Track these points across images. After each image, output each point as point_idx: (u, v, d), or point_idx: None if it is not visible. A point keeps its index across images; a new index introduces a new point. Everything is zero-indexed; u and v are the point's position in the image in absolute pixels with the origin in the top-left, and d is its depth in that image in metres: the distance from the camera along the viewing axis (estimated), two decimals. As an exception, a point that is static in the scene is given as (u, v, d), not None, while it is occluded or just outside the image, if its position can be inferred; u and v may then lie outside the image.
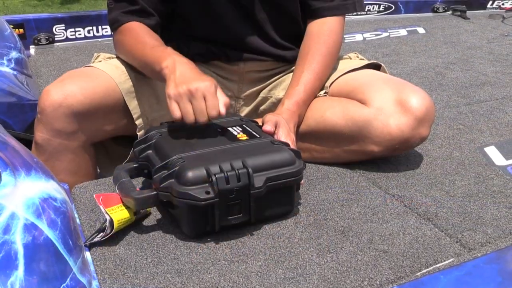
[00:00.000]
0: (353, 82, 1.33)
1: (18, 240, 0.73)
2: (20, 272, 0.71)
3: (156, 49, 1.22)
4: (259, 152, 1.06)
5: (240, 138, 1.13)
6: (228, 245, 1.02)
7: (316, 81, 1.32)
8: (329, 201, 1.18)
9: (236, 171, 1.00)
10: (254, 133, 1.15)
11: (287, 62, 1.45)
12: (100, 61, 1.38)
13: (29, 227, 0.74)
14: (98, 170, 1.42)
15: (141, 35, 1.29)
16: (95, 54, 1.43)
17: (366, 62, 1.43)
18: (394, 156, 1.35)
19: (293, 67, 1.42)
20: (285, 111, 1.27)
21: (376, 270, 0.95)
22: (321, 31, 1.37)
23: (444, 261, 0.98)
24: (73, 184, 1.25)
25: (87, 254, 0.98)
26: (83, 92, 1.22)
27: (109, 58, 1.40)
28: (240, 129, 1.17)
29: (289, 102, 1.29)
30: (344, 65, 1.41)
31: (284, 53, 1.44)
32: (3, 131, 1.06)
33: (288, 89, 1.33)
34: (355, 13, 3.01)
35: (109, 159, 1.41)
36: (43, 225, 0.76)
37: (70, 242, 0.81)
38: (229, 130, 1.16)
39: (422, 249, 1.01)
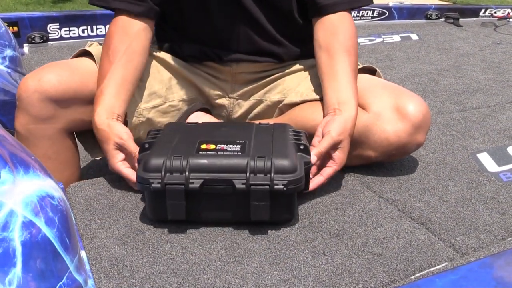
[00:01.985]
0: None
1: (16, 237, 0.72)
2: (18, 269, 0.71)
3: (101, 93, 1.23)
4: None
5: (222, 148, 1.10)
6: (224, 246, 1.03)
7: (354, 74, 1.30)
8: (324, 204, 1.19)
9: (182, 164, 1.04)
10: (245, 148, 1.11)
11: (281, 62, 1.43)
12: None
13: (27, 225, 0.74)
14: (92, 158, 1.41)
15: (112, 60, 1.26)
16: (89, 42, 1.42)
17: (361, 66, 1.44)
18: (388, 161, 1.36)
19: (287, 70, 1.41)
20: (350, 107, 1.21)
21: (371, 273, 0.96)
22: (339, 24, 1.32)
23: (438, 265, 0.99)
24: (52, 170, 1.24)
25: (83, 253, 0.98)
26: (59, 78, 1.23)
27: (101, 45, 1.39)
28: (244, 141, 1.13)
29: (349, 96, 1.23)
30: None
31: (278, 50, 1.40)
32: (0, 128, 1.06)
33: (331, 84, 1.27)
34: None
35: (95, 141, 1.39)
36: (41, 223, 0.76)
37: (67, 241, 0.80)
38: (236, 142, 1.13)
39: (416, 253, 1.02)
